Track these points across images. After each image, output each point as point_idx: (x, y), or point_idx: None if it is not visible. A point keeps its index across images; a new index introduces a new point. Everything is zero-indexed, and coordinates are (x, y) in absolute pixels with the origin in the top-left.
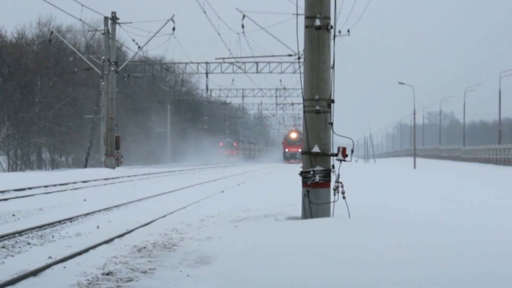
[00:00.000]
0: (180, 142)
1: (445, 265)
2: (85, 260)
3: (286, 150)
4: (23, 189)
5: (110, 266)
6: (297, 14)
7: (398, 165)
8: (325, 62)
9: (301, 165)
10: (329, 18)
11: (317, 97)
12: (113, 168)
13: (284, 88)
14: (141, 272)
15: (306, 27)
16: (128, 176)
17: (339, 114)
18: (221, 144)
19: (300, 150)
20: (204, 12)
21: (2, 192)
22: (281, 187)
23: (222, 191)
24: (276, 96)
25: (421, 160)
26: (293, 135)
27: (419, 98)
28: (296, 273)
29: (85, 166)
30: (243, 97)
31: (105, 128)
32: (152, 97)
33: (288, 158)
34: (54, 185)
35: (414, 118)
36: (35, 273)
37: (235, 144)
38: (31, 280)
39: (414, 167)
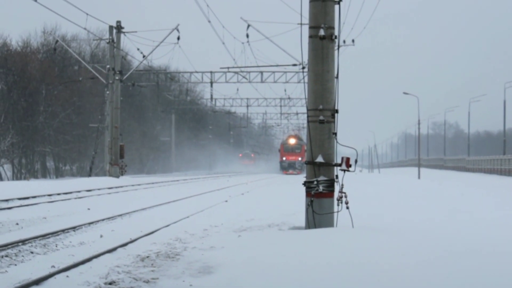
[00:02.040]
0: (186, 151)
1: (450, 274)
2: (88, 269)
3: (284, 158)
4: (27, 198)
5: (113, 275)
6: (301, 24)
7: (402, 175)
8: (329, 72)
9: (301, 175)
10: (333, 28)
11: (321, 107)
12: (117, 177)
13: (289, 98)
14: (144, 281)
15: (310, 37)
16: (132, 185)
17: (343, 123)
18: (240, 155)
19: (299, 158)
20: (209, 22)
21: (6, 200)
22: (285, 196)
23: (226, 201)
24: (280, 106)
25: (425, 170)
26: (292, 141)
27: (424, 108)
28: (299, 283)
29: (90, 175)
30: (247, 106)
31: (109, 137)
32: (156, 106)
33: (286, 168)
34: (58, 194)
35: (419, 128)
36: (37, 282)
37: (252, 155)
38: None
39: (419, 177)
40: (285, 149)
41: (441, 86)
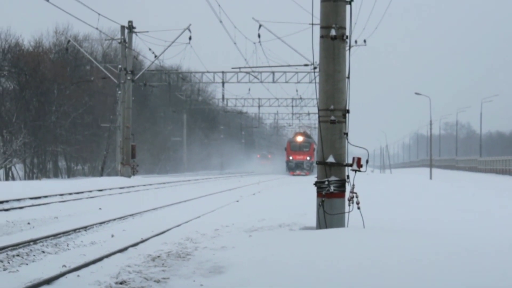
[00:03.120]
0: (197, 151)
1: (462, 274)
2: (99, 269)
3: (290, 158)
4: (39, 198)
5: (124, 275)
6: (312, 24)
7: (414, 175)
8: (340, 72)
9: (310, 176)
10: (344, 28)
11: (332, 107)
12: (129, 177)
13: (300, 98)
14: (155, 281)
15: (321, 37)
16: (144, 185)
17: (355, 123)
18: (258, 156)
19: (308, 157)
20: (220, 22)
21: (18, 200)
22: (296, 196)
23: (238, 201)
24: (292, 106)
25: (437, 171)
26: (299, 138)
27: (436, 108)
28: (309, 283)
29: (101, 175)
30: (259, 106)
31: (121, 137)
32: (168, 106)
33: (293, 168)
34: (70, 194)
35: (431, 129)
36: (48, 281)
37: (269, 156)
38: None
39: (430, 177)
40: (292, 148)
41: (453, 86)
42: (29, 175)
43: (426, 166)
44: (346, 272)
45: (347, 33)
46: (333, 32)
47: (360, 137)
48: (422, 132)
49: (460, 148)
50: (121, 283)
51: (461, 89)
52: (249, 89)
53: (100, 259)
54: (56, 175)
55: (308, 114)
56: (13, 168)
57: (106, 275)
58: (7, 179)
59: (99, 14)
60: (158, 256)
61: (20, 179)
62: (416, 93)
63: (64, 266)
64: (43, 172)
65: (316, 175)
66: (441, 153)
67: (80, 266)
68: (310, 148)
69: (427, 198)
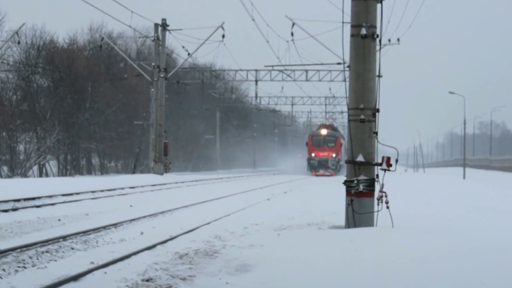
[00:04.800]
0: (230, 149)
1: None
2: (127, 266)
3: (313, 155)
4: (71, 194)
5: (151, 272)
6: (343, 22)
7: (447, 175)
8: (370, 71)
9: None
10: (375, 27)
11: (362, 106)
12: (161, 174)
13: (334, 96)
14: (181, 279)
15: (352, 35)
16: (176, 183)
17: (388, 122)
18: (299, 155)
19: (333, 154)
20: (253, 20)
21: (50, 197)
22: (326, 195)
23: (268, 199)
24: (325, 105)
25: (470, 170)
26: (323, 131)
27: (470, 107)
28: (337, 282)
29: (134, 172)
30: (292, 104)
31: (154, 134)
32: (201, 104)
33: (315, 167)
34: (102, 191)
35: (464, 128)
36: (75, 278)
37: (299, 155)
38: (71, 285)
39: (464, 177)
40: (314, 142)
41: (488, 85)
42: (63, 172)
43: (460, 166)
44: (373, 271)
45: (378, 31)
46: (363, 31)
47: (393, 136)
48: (456, 131)
49: (494, 148)
50: (147, 280)
51: (496, 88)
52: (282, 87)
53: (128, 256)
54: (89, 172)
55: (342, 112)
56: (47, 165)
57: (133, 272)
58: (40, 175)
59: (132, 11)
60: (186, 254)
61: (53, 175)
62: (450, 92)
63: (92, 263)
64: (76, 169)
65: (344, 175)
66: (475, 152)
67: (108, 263)
68: (336, 143)
69: (460, 198)
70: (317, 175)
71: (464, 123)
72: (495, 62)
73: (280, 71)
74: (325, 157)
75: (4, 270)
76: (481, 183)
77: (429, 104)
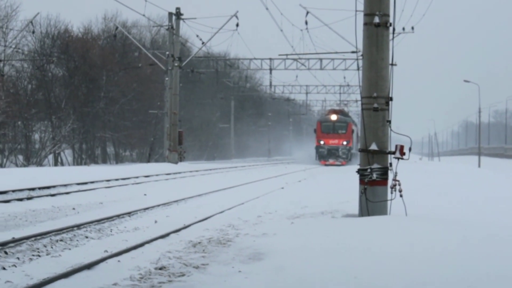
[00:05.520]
0: (245, 137)
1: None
2: (140, 254)
3: (322, 142)
4: (85, 183)
5: (164, 260)
6: (355, 11)
7: (462, 164)
8: (383, 59)
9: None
10: (388, 15)
11: (375, 94)
12: (176, 163)
13: (348, 85)
14: (194, 267)
15: (365, 24)
16: (190, 171)
17: (403, 111)
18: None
19: (344, 142)
20: (267, 9)
21: (65, 185)
22: (339, 184)
23: (283, 188)
24: (340, 93)
25: (486, 159)
26: (333, 117)
27: (485, 96)
28: (350, 271)
29: (148, 161)
30: (306, 93)
31: (168, 123)
32: (216, 93)
33: (325, 156)
34: (116, 180)
35: (479, 117)
36: (89, 266)
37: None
38: (84, 273)
39: (479, 165)
40: (323, 129)
41: (503, 73)
42: (78, 161)
43: (475, 154)
44: (385, 259)
45: (391, 20)
46: (376, 20)
47: (409, 124)
48: (471, 120)
49: (510, 136)
50: (160, 269)
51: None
52: (297, 76)
53: (141, 245)
54: (104, 161)
55: (356, 101)
56: (62, 154)
57: (146, 261)
58: (56, 164)
59: (146, 0)
60: (199, 242)
61: (68, 164)
62: (465, 81)
63: (105, 251)
64: (91, 158)
65: (356, 164)
66: (490, 141)
67: (121, 252)
68: (348, 130)
69: (474, 187)
70: (326, 165)
71: (479, 112)
72: (510, 49)
73: (294, 59)
74: (335, 145)
75: (18, 258)
76: (497, 172)
77: (444, 92)
